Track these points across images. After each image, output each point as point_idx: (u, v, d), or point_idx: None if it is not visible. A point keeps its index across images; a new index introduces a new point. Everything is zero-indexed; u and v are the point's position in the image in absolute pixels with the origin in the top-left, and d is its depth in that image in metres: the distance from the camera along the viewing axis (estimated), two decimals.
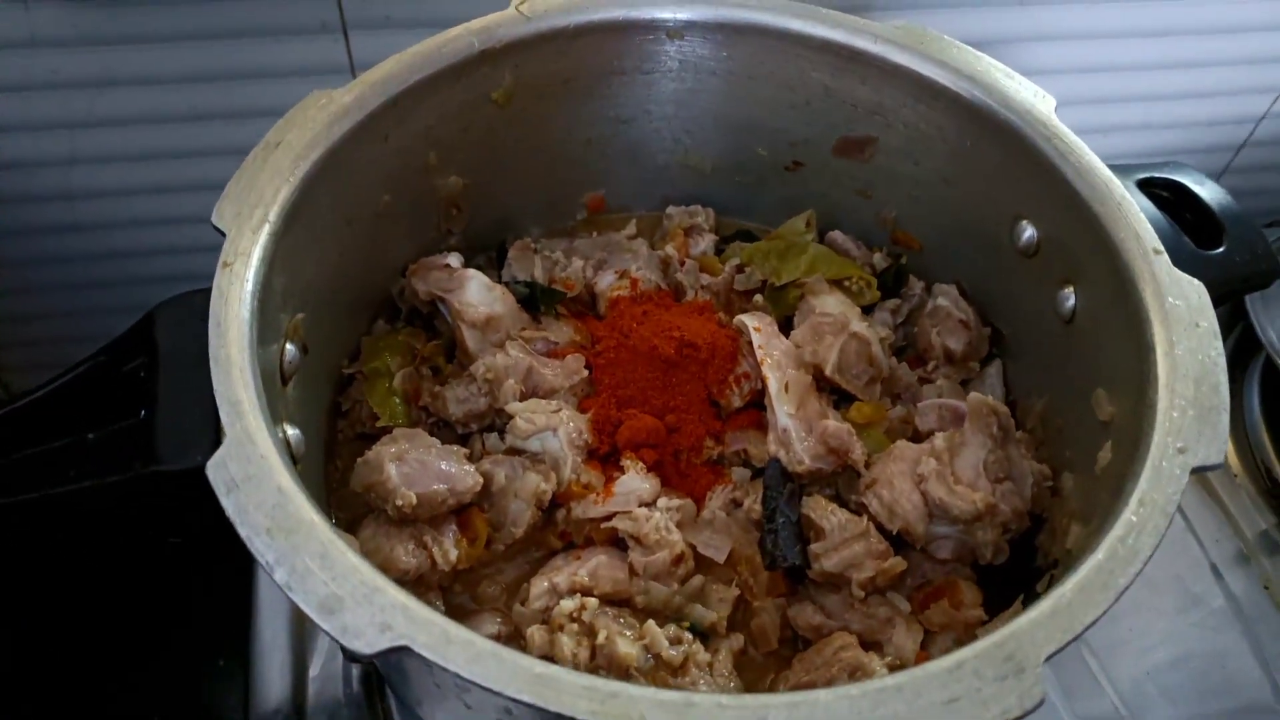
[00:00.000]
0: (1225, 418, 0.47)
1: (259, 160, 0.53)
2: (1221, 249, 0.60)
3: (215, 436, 0.45)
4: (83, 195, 0.92)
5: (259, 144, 0.54)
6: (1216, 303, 0.54)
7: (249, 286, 0.48)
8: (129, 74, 0.84)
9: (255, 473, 0.42)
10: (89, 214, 0.94)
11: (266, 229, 0.51)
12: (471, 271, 0.64)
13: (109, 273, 0.99)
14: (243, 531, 0.40)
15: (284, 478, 0.42)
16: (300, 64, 0.84)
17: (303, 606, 0.38)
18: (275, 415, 0.46)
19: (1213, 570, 0.86)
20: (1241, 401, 0.97)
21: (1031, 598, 0.52)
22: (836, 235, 0.72)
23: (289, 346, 0.53)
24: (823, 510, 0.57)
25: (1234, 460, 0.93)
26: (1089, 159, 0.58)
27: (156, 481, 0.46)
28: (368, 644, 0.37)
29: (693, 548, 0.58)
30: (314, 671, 0.72)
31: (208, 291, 0.49)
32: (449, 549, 0.56)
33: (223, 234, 0.50)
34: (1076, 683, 0.78)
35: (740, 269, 0.70)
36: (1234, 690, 0.78)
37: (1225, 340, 1.00)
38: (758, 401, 0.63)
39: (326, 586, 0.38)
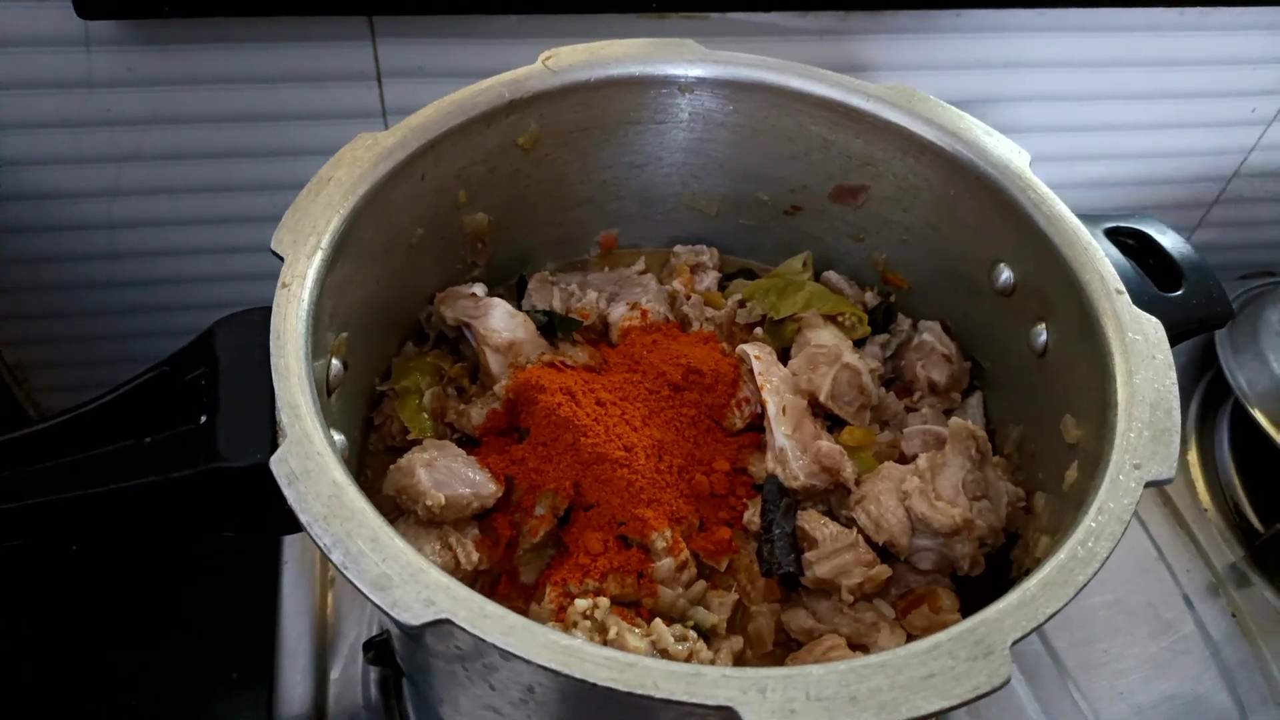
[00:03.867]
0: (1176, 438, 0.52)
1: (312, 193, 0.59)
2: (1180, 292, 0.66)
3: (272, 438, 0.50)
4: (123, 225, 0.98)
5: (313, 179, 0.60)
6: (1175, 340, 0.60)
7: (304, 305, 0.54)
8: (175, 113, 0.90)
9: (313, 468, 0.47)
10: (128, 243, 1.00)
11: (319, 255, 0.56)
12: (496, 300, 0.70)
13: (143, 298, 1.04)
14: (303, 518, 0.45)
15: (338, 472, 0.47)
16: (336, 108, 0.91)
17: (357, 584, 0.43)
18: (326, 420, 0.51)
19: (1184, 600, 0.91)
20: (1213, 441, 1.03)
21: None
22: (831, 275, 0.78)
23: (334, 362, 0.59)
24: (816, 523, 0.63)
25: (1204, 496, 0.99)
26: (1059, 208, 0.64)
27: (218, 478, 0.50)
28: (414, 616, 0.42)
29: (696, 555, 0.63)
30: (334, 675, 0.77)
31: (264, 309, 0.55)
32: (471, 551, 0.61)
33: (280, 258, 0.56)
34: (1054, 702, 0.82)
35: (742, 304, 0.76)
36: (1202, 710, 0.83)
37: (1198, 383, 1.08)
38: (756, 424, 0.68)
39: (378, 566, 0.43)
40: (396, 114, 0.92)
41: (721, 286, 0.80)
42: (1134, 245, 0.69)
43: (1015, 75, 0.97)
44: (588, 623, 0.58)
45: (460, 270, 0.75)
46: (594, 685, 0.41)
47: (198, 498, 0.52)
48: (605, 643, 0.56)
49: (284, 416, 0.49)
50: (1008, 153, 0.67)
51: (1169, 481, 0.51)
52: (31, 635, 0.95)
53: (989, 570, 0.63)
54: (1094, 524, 0.49)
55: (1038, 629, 0.45)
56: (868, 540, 0.62)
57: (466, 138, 0.68)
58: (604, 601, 0.59)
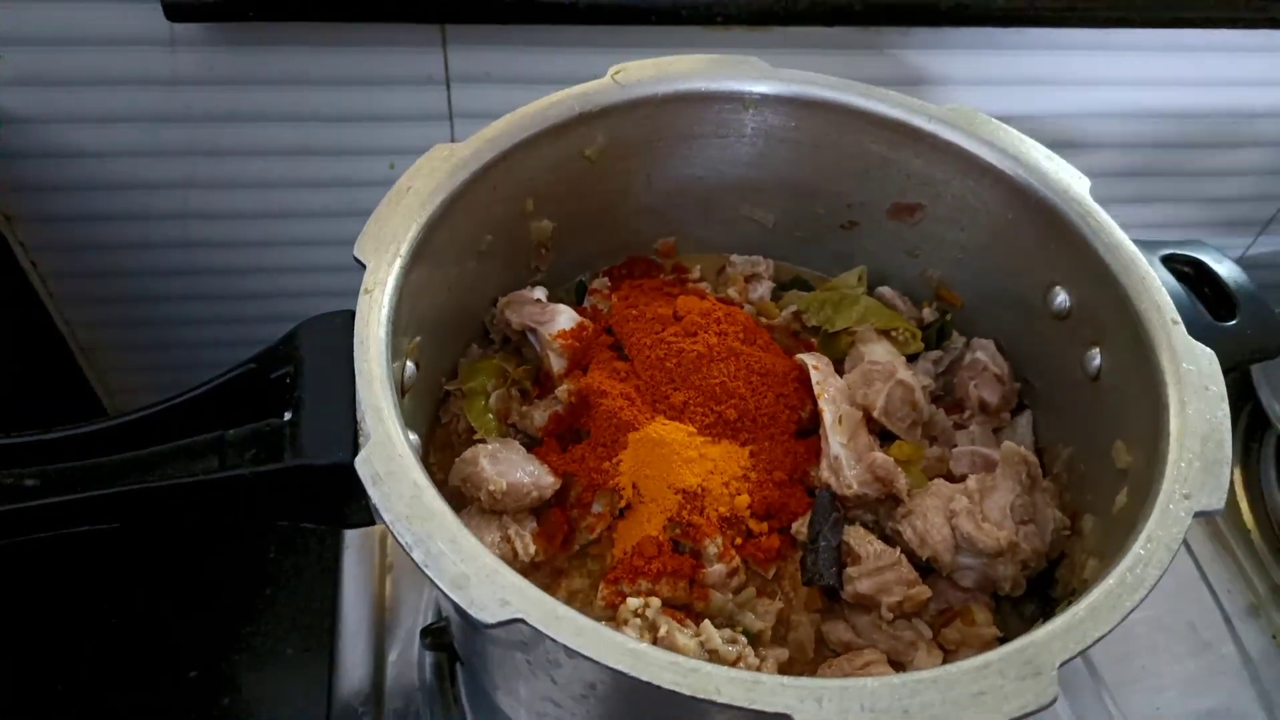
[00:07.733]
0: (1227, 470, 0.53)
1: (392, 203, 0.62)
2: (1235, 321, 0.67)
3: (353, 437, 0.53)
4: (197, 215, 1.02)
5: (392, 188, 0.62)
6: (1229, 370, 0.61)
7: (385, 311, 0.57)
8: (251, 111, 0.93)
9: (395, 469, 0.49)
10: (201, 232, 1.04)
11: (399, 262, 0.59)
12: (561, 306, 0.72)
13: (213, 286, 1.08)
14: (387, 517, 0.48)
15: (418, 474, 0.50)
16: (405, 110, 0.94)
17: (437, 581, 0.46)
18: (403, 422, 0.54)
19: (1225, 620, 0.92)
20: (1258, 461, 1.03)
21: None
22: (885, 290, 0.79)
23: (408, 364, 0.62)
24: (861, 539, 0.64)
25: (1248, 516, 0.99)
26: (1118, 236, 0.65)
27: (303, 474, 0.53)
28: (490, 615, 0.44)
29: (746, 562, 0.65)
30: (392, 657, 0.80)
31: (345, 313, 0.58)
32: (529, 543, 0.63)
33: (363, 265, 0.58)
34: (1091, 716, 0.84)
35: (796, 315, 0.78)
36: None
37: (1242, 411, 1.07)
38: (806, 430, 0.70)
39: (456, 566, 0.46)
40: (463, 117, 0.95)
41: (775, 296, 0.82)
42: (1190, 273, 0.70)
43: (1076, 92, 0.98)
44: (639, 620, 0.60)
45: (523, 275, 0.77)
46: (659, 688, 0.43)
47: (281, 491, 0.55)
48: (655, 640, 0.59)
49: (367, 419, 0.51)
50: (1068, 178, 0.68)
51: (1219, 513, 0.52)
52: (104, 607, 0.99)
53: (1033, 589, 0.64)
54: (1142, 551, 0.50)
55: (1084, 651, 0.46)
56: (911, 554, 0.64)
57: (536, 149, 0.70)
58: (655, 601, 0.61)
